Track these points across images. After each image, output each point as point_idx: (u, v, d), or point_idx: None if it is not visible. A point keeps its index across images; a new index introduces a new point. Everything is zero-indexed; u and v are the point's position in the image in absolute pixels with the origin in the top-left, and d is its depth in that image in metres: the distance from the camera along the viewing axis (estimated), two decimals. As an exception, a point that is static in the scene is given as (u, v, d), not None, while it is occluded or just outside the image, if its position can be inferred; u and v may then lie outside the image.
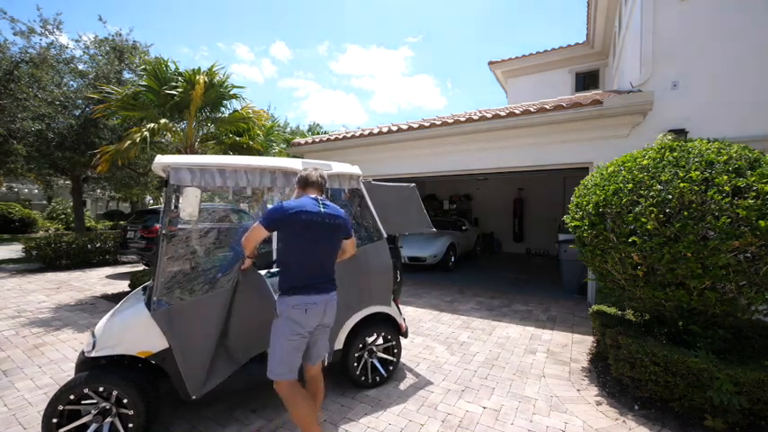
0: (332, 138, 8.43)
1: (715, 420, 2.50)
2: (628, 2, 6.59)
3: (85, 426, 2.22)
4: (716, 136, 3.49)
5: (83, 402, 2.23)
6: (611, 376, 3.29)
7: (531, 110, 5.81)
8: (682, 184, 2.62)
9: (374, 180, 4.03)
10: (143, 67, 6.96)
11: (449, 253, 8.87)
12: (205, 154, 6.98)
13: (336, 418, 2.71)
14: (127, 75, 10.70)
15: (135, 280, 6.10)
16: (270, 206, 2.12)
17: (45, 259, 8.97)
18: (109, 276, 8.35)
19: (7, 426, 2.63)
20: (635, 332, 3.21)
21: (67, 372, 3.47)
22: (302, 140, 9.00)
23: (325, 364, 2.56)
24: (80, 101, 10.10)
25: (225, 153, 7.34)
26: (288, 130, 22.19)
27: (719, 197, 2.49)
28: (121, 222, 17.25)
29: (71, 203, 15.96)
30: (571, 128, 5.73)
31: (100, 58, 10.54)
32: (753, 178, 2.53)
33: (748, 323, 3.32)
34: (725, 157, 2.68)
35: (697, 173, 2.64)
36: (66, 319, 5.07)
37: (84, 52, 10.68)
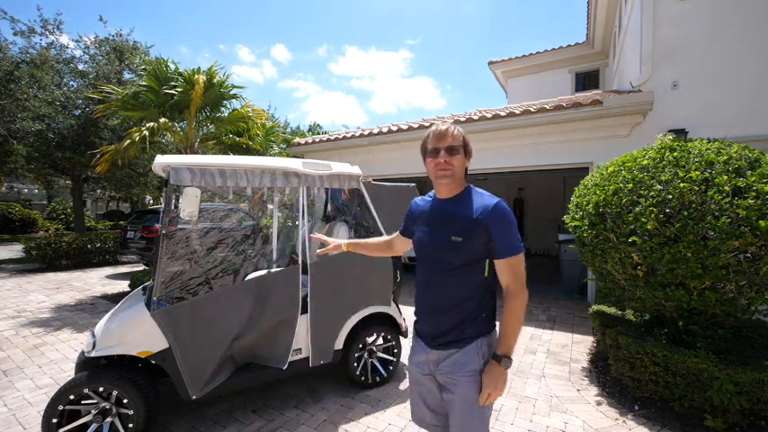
0: (332, 138, 8.42)
1: (715, 420, 2.50)
2: (628, 2, 6.59)
3: (85, 426, 2.22)
4: (716, 136, 3.49)
5: (83, 402, 2.24)
6: (611, 376, 3.29)
7: (531, 110, 5.80)
8: (682, 184, 2.62)
9: (374, 180, 4.03)
10: (143, 67, 6.97)
11: (449, 253, 8.84)
12: (205, 154, 6.99)
13: (337, 419, 2.71)
14: (127, 75, 10.71)
15: (135, 280, 6.10)
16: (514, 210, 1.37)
17: (45, 259, 8.97)
18: (109, 276, 8.34)
19: (7, 426, 2.63)
20: (635, 332, 3.21)
21: (67, 372, 3.47)
22: (302, 140, 9.00)
23: None
24: (80, 101, 10.11)
25: (225, 153, 7.34)
26: (288, 130, 22.18)
27: (719, 197, 2.49)
28: (121, 222, 17.25)
29: (71, 203, 15.97)
30: (571, 128, 5.72)
31: (100, 58, 10.54)
32: (753, 178, 2.53)
33: (748, 323, 3.32)
34: (725, 157, 2.68)
35: (697, 173, 2.63)
36: (66, 319, 5.06)
37: (84, 52, 10.70)
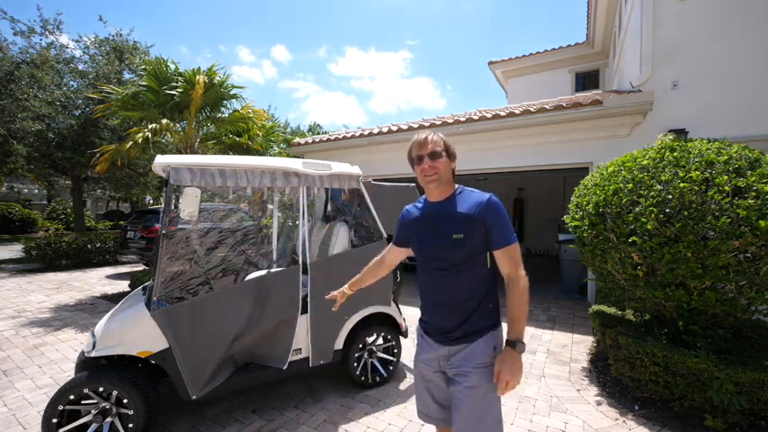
0: (332, 138, 8.42)
1: (715, 420, 2.50)
2: (628, 2, 6.59)
3: (85, 426, 2.22)
4: (716, 136, 3.49)
5: (83, 402, 2.24)
6: (611, 376, 3.29)
7: (531, 110, 5.80)
8: (682, 184, 2.62)
9: (374, 180, 4.03)
10: (143, 67, 6.97)
11: (449, 253, 8.83)
12: (205, 154, 6.99)
13: (337, 419, 2.71)
14: (127, 75, 10.71)
15: (135, 280, 6.10)
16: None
17: (45, 259, 8.97)
18: (109, 276, 8.34)
19: (7, 426, 2.63)
20: (635, 332, 3.21)
21: (67, 372, 3.47)
22: (302, 140, 9.00)
23: None
24: (80, 101, 10.11)
25: (225, 153, 7.34)
26: (288, 130, 22.18)
27: (720, 197, 2.49)
28: (121, 222, 17.26)
29: (71, 203, 15.97)
30: (571, 128, 5.72)
31: (100, 58, 10.54)
32: (753, 178, 2.53)
33: (748, 323, 3.32)
34: (725, 157, 2.68)
35: (697, 173, 2.63)
36: (66, 319, 5.06)
37: (84, 52, 10.70)
